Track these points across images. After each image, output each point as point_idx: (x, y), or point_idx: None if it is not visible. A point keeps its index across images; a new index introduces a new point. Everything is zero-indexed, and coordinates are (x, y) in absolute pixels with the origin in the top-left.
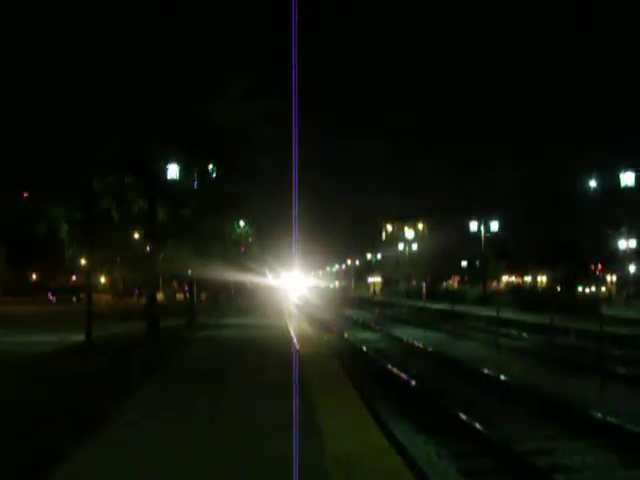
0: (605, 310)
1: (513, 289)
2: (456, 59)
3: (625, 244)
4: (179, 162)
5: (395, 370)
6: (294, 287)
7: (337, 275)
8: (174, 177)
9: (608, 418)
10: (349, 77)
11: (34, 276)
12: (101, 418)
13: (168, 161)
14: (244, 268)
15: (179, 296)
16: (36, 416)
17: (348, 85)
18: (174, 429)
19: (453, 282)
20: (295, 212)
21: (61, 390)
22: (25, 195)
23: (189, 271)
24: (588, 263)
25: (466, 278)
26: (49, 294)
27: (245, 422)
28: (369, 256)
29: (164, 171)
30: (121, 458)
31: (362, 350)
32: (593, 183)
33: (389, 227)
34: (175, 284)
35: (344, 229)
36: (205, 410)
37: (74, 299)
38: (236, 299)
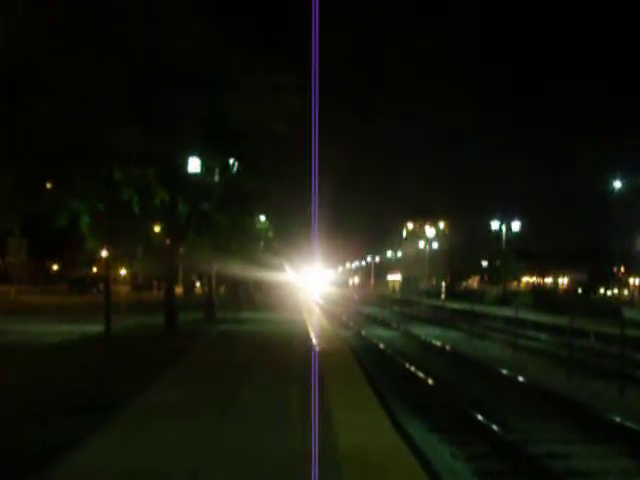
0: (626, 313)
1: (533, 290)
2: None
3: None
4: (200, 156)
5: (412, 368)
6: (314, 283)
7: (357, 272)
8: (195, 171)
9: (627, 422)
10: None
11: (55, 267)
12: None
13: (189, 155)
14: (263, 263)
15: (198, 290)
16: None
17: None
18: (184, 431)
19: (473, 281)
20: (315, 209)
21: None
22: (47, 186)
23: (208, 265)
24: (610, 265)
25: (486, 278)
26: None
27: (259, 417)
28: (389, 253)
29: (185, 165)
30: None
31: (379, 348)
32: (617, 184)
33: (410, 225)
34: (194, 278)
35: (365, 226)
36: (218, 406)
37: (94, 290)
38: (255, 294)
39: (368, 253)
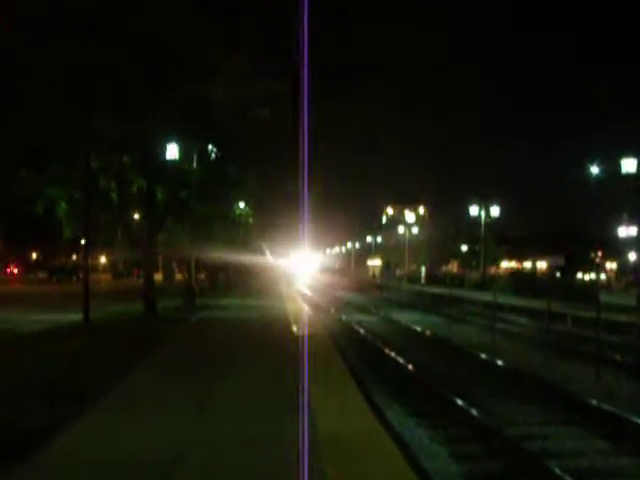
0: (604, 297)
1: (512, 274)
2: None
3: (625, 231)
4: (178, 143)
5: (392, 354)
6: (296, 268)
7: (337, 258)
8: (173, 158)
9: (603, 404)
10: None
11: (34, 256)
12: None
13: (167, 142)
14: (244, 249)
15: (178, 277)
16: None
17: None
18: (164, 417)
19: (453, 266)
20: (304, 196)
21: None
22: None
23: (188, 252)
24: (588, 250)
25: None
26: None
27: (238, 404)
28: (369, 239)
29: (163, 152)
30: None
31: (359, 332)
32: (595, 169)
33: (390, 210)
34: (174, 264)
35: (346, 212)
36: (196, 393)
37: (74, 279)
38: (236, 280)
39: (353, 239)
